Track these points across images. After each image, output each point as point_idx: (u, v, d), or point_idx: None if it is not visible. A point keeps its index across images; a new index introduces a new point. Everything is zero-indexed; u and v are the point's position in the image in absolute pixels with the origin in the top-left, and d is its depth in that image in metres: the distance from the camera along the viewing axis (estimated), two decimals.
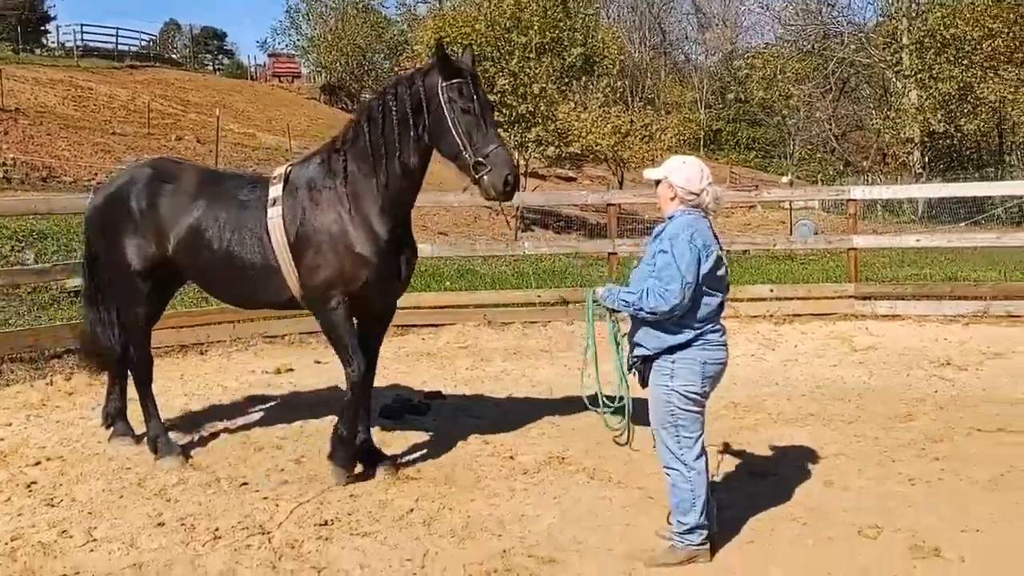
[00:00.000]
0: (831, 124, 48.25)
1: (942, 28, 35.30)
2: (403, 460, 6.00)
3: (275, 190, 5.59)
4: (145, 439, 6.21)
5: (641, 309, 4.22)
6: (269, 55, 60.13)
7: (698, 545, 4.36)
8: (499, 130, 5.51)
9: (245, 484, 5.57)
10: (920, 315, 10.97)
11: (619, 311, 4.42)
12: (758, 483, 5.45)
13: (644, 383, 4.44)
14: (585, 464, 5.85)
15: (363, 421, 5.82)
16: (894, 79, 42.08)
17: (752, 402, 7.34)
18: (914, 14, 40.25)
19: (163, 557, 4.52)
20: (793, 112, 47.79)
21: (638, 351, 4.41)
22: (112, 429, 6.43)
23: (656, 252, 4.29)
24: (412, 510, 5.10)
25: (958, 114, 37.62)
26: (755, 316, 11.01)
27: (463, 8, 34.16)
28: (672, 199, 4.36)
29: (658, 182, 4.41)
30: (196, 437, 6.59)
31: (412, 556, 4.49)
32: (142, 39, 56.10)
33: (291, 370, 8.84)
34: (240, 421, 6.99)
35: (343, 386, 5.69)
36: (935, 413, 7.00)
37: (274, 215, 5.51)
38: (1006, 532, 4.63)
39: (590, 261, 18.12)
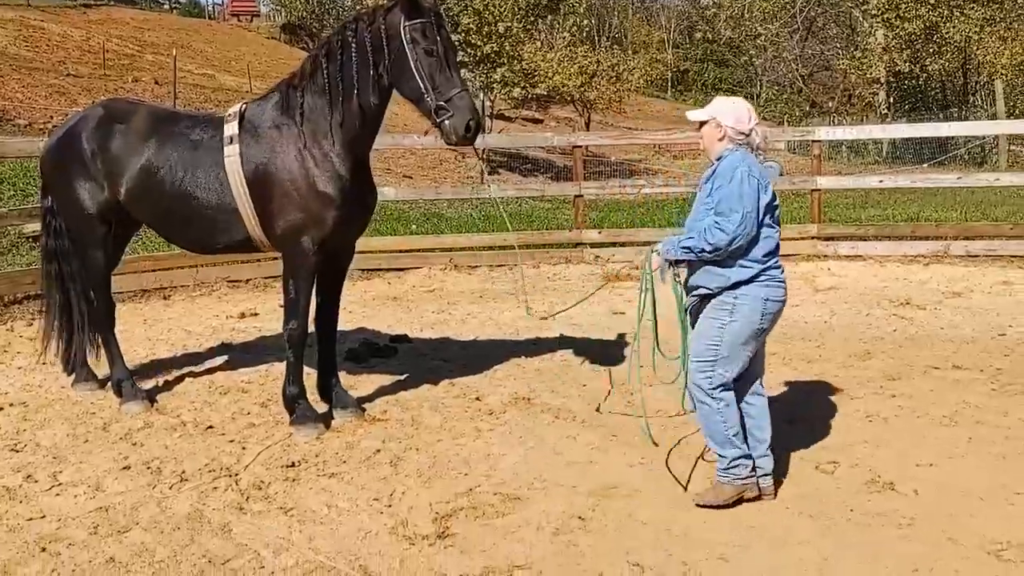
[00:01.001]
0: (798, 64, 48.06)
1: None
2: (370, 402, 6.02)
3: (231, 128, 5.46)
4: (109, 384, 6.18)
5: (704, 250, 4.12)
6: None
7: (745, 479, 4.26)
8: (463, 71, 5.42)
9: (211, 427, 5.58)
10: (881, 255, 11.13)
11: (683, 260, 4.28)
12: None
13: (694, 323, 4.39)
14: (550, 404, 5.91)
15: (330, 364, 5.84)
16: (861, 18, 41.90)
17: None
18: None
19: (129, 500, 4.52)
20: (760, 52, 47.53)
21: (699, 291, 4.32)
22: (75, 374, 6.39)
23: (712, 190, 4.21)
24: (379, 451, 5.14)
25: (924, 54, 37.66)
26: None
27: None
28: (720, 140, 4.27)
29: (702, 124, 4.32)
30: (161, 381, 6.57)
31: (379, 495, 4.54)
32: None
33: (255, 314, 8.81)
34: (205, 365, 6.97)
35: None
36: (893, 352, 7.13)
37: (231, 154, 5.39)
38: (958, 467, 4.76)
39: (556, 204, 18.08)
